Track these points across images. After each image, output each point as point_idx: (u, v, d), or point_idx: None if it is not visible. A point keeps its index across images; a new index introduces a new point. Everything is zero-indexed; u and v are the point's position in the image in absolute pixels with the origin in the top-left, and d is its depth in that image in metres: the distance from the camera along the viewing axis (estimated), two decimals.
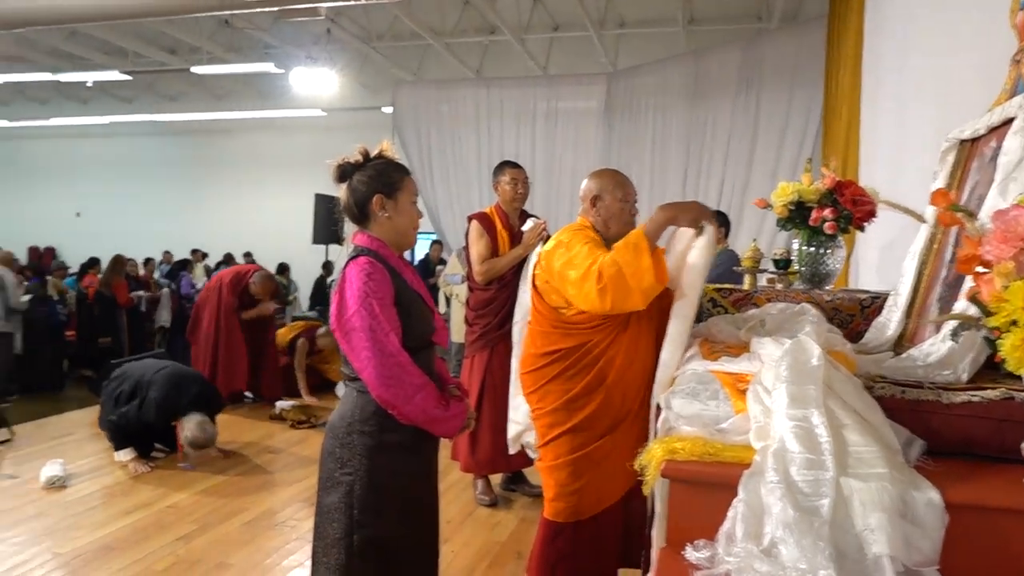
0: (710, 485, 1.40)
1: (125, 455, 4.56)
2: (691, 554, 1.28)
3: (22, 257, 12.10)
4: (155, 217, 14.47)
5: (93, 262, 9.66)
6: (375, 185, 2.07)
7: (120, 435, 4.59)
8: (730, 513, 1.29)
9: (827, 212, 2.51)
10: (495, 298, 3.97)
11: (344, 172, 2.09)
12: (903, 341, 2.02)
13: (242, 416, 5.96)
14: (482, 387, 3.91)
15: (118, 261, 8.22)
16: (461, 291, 8.11)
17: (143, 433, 4.63)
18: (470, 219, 4.05)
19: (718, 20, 9.51)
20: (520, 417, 3.01)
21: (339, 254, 9.31)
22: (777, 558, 1.19)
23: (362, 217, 2.09)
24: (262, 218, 13.60)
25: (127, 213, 14.63)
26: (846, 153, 5.02)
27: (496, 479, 4.27)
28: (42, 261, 13.40)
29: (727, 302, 2.69)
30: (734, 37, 8.90)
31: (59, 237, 15.24)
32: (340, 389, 6.74)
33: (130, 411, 4.47)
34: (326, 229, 8.34)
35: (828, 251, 2.62)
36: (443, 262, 9.08)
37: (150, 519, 3.79)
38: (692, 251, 3.74)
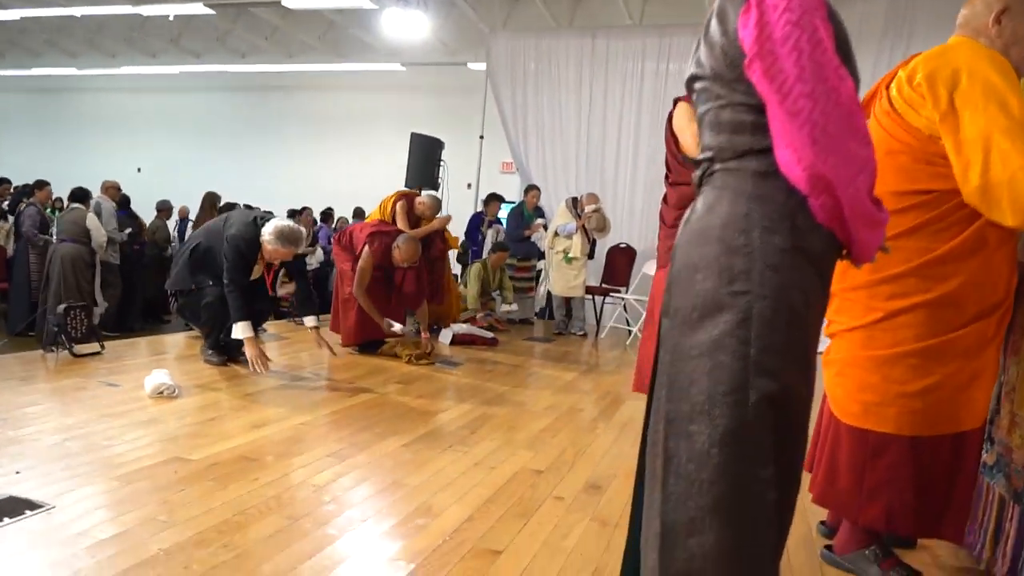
0: None
1: (245, 329, 4.03)
2: None
3: None
4: (212, 174, 13.92)
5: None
6: None
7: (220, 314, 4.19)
8: None
9: None
10: None
11: None
12: None
13: (354, 354, 5.28)
14: None
15: (210, 199, 7.68)
16: (573, 245, 7.34)
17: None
18: (676, 101, 3.35)
19: None
20: None
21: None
22: None
23: None
24: (331, 174, 12.92)
25: (186, 170, 14.10)
26: None
27: None
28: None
29: None
30: None
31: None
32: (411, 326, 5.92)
33: (221, 266, 4.13)
34: (422, 171, 7.54)
35: None
36: (540, 212, 8.27)
37: (285, 434, 3.13)
38: None
